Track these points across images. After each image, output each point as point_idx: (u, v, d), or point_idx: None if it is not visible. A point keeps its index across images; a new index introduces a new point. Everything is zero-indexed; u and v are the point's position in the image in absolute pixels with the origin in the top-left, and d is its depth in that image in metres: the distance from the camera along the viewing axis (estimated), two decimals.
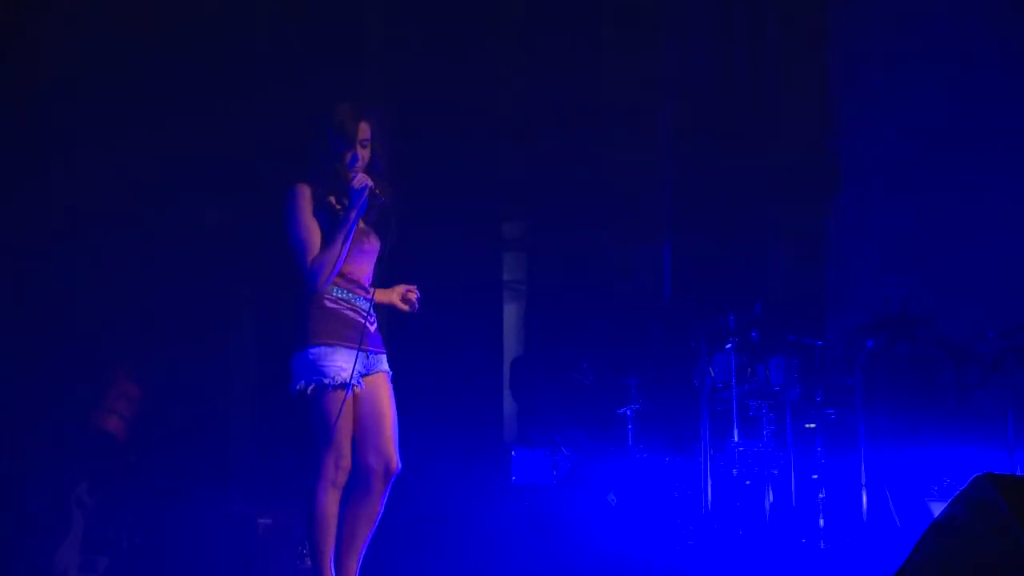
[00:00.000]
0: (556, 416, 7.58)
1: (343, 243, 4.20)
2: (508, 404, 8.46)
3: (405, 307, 4.50)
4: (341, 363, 4.17)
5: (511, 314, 8.54)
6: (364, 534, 4.26)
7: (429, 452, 6.70)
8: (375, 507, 4.27)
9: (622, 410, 7.04)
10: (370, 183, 4.21)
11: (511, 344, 8.50)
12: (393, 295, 4.50)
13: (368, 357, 4.29)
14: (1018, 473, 5.93)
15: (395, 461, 4.28)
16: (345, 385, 4.16)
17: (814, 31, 8.00)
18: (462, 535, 6.73)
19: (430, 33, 7.64)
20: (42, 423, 6.21)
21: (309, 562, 5.77)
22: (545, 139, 8.34)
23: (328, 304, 4.22)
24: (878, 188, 7.79)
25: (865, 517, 6.30)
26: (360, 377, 4.24)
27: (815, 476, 6.48)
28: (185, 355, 6.72)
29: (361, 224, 4.31)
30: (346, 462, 4.19)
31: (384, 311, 4.51)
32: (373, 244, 4.37)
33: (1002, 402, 6.21)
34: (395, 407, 4.35)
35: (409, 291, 4.50)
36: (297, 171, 4.28)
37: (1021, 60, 7.46)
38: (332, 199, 4.25)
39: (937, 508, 5.25)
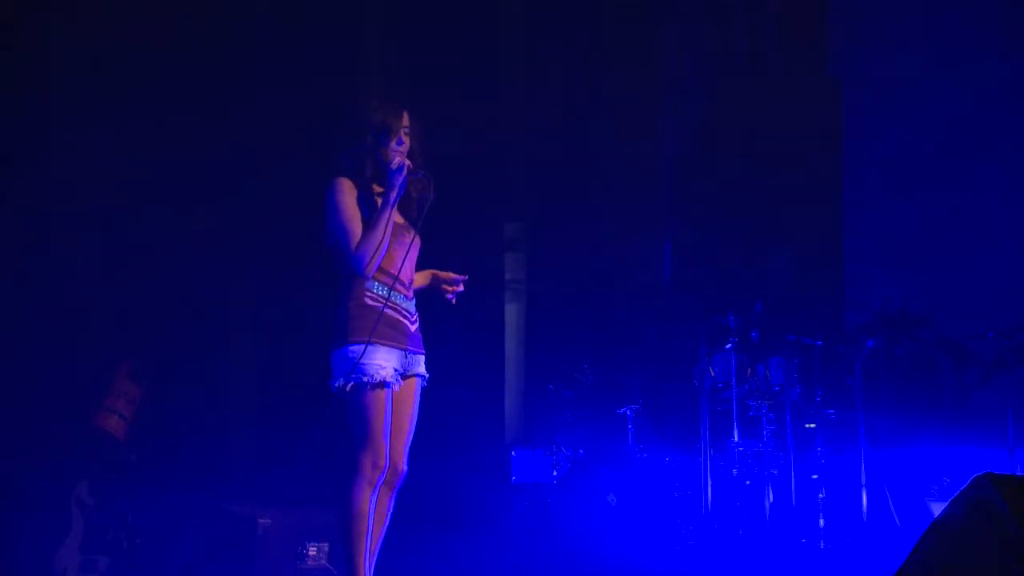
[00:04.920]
0: (556, 416, 7.57)
1: (386, 225, 4.16)
2: (508, 404, 8.46)
3: (445, 292, 4.48)
4: (380, 361, 4.14)
5: (511, 313, 8.54)
6: (375, 537, 4.24)
7: (429, 451, 6.70)
8: (384, 509, 4.27)
9: (622, 410, 7.04)
10: (407, 162, 4.19)
11: (511, 343, 8.50)
12: (432, 280, 4.49)
13: (407, 357, 4.27)
14: (1018, 473, 5.93)
15: (403, 463, 4.29)
16: (384, 384, 4.14)
17: (814, 29, 8.00)
18: (461, 535, 6.73)
19: (431, 33, 7.65)
20: (42, 423, 6.21)
21: (312, 561, 5.78)
22: (546, 138, 8.34)
23: (368, 301, 4.18)
24: (878, 188, 7.78)
25: (865, 517, 6.30)
26: (399, 377, 4.23)
27: (815, 476, 6.48)
28: (185, 355, 6.73)
29: (400, 219, 4.28)
30: (383, 461, 4.16)
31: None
32: (412, 239, 4.32)
33: (1002, 402, 6.21)
34: (417, 413, 4.35)
35: (456, 285, 4.46)
36: (336, 167, 4.25)
37: (1022, 59, 7.45)
38: (373, 187, 4.24)
39: (937, 508, 5.25)
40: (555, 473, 7.35)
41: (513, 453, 7.60)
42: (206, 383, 6.90)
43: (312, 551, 5.76)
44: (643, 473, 6.57)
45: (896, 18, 7.80)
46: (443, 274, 4.51)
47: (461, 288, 4.49)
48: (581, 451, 7.35)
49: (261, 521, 5.62)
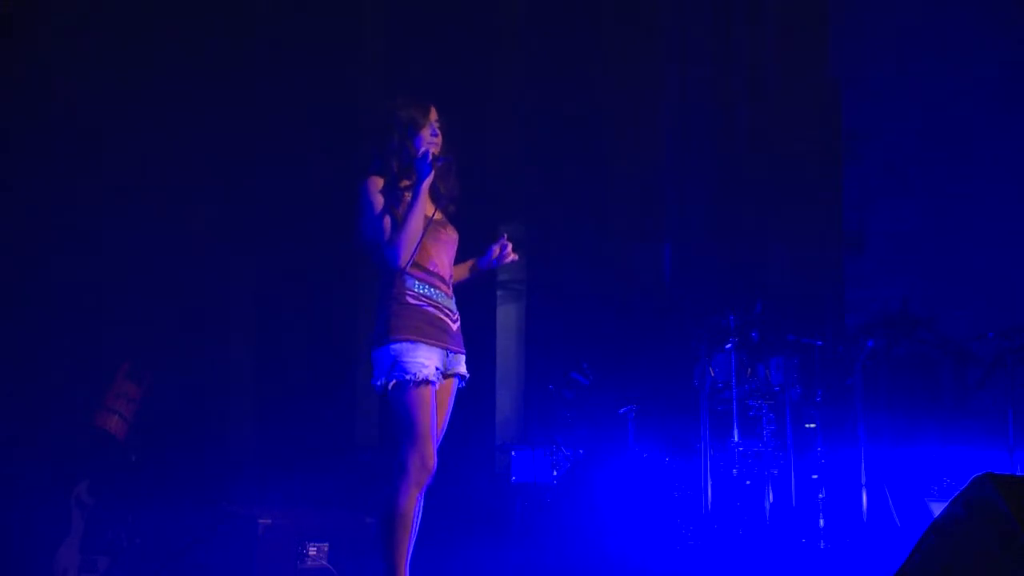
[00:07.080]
0: (556, 416, 7.57)
1: (418, 215, 4.12)
2: (507, 404, 8.45)
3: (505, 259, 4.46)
4: (422, 360, 4.10)
5: (511, 314, 8.53)
6: (411, 535, 4.19)
7: None
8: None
9: (623, 410, 7.04)
10: (431, 150, 4.16)
11: (511, 344, 8.50)
12: (474, 267, 4.47)
13: (448, 356, 4.23)
14: (1018, 473, 5.93)
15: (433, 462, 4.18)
16: (427, 382, 4.08)
17: (815, 30, 8.00)
18: (461, 535, 6.73)
19: (431, 33, 7.65)
20: (42, 423, 6.21)
21: (312, 561, 5.78)
22: (546, 138, 8.34)
23: (409, 300, 4.14)
24: (878, 188, 7.78)
25: (865, 517, 6.30)
26: (440, 376, 4.18)
27: (815, 476, 6.48)
28: (185, 355, 6.73)
29: (436, 215, 4.26)
30: (431, 462, 4.09)
31: None
32: (450, 235, 4.31)
33: (1002, 402, 6.21)
34: (451, 413, 4.29)
35: (505, 250, 4.44)
36: (366, 166, 4.24)
37: (1022, 59, 7.45)
38: (403, 182, 4.21)
39: (937, 508, 5.25)
40: (555, 473, 7.35)
41: (513, 453, 7.60)
42: (206, 383, 6.90)
43: (312, 551, 5.76)
44: (643, 473, 6.57)
45: (896, 18, 7.80)
46: (494, 252, 4.47)
47: (509, 244, 4.45)
48: (581, 451, 7.35)
49: (261, 521, 5.62)
